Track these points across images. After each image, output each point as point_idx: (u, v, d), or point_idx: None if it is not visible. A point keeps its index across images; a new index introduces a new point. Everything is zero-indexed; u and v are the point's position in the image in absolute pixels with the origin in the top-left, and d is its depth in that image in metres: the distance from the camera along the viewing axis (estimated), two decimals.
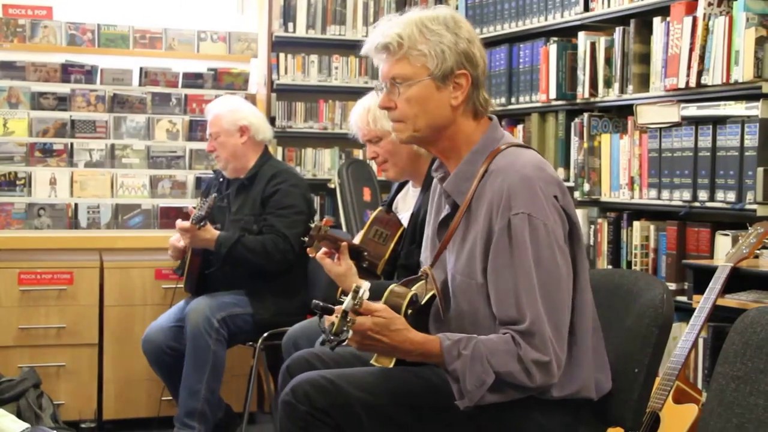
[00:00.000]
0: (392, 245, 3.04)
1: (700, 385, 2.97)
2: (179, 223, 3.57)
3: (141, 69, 4.76)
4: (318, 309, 1.93)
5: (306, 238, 2.83)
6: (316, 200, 4.60)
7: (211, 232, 3.57)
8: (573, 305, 1.99)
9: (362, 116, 3.08)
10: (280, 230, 3.64)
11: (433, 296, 2.08)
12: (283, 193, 3.70)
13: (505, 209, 1.95)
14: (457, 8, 4.75)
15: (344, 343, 1.88)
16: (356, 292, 1.87)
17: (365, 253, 2.94)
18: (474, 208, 2.03)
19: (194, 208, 3.57)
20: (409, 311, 2.02)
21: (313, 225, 2.81)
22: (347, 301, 1.87)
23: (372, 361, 2.06)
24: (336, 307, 1.92)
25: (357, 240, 3.07)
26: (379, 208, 3.19)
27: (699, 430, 1.87)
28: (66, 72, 4.65)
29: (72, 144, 4.50)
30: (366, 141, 3.12)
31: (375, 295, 1.98)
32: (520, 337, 1.91)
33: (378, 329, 1.91)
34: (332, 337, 1.86)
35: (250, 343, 3.73)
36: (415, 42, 2.02)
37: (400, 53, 2.04)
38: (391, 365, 2.03)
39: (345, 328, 1.85)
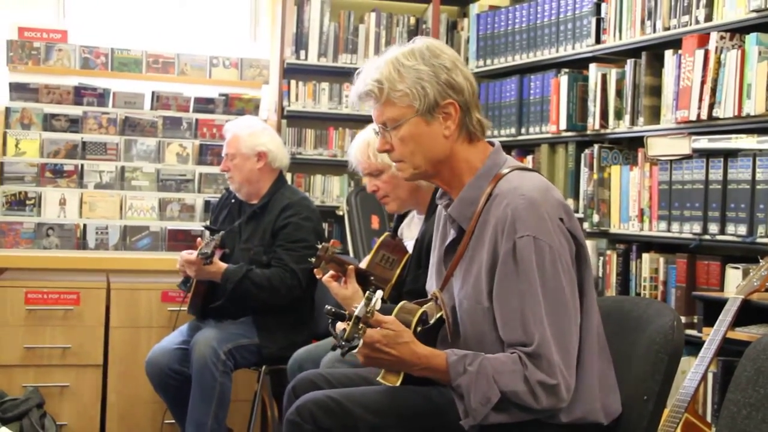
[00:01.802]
0: (399, 270, 3.04)
1: (709, 420, 2.94)
2: (186, 256, 3.55)
3: (153, 93, 4.79)
4: (330, 314, 1.93)
5: (313, 259, 2.83)
6: (325, 227, 4.59)
7: (218, 266, 3.56)
8: (579, 327, 1.97)
9: (362, 150, 3.09)
10: (289, 265, 3.62)
11: (442, 318, 2.07)
12: (294, 226, 3.68)
13: (511, 232, 1.94)
14: (468, 40, 4.78)
15: (355, 351, 1.87)
16: (369, 299, 1.87)
17: (372, 278, 2.94)
18: (479, 232, 2.02)
19: (207, 231, 3.56)
20: (418, 328, 2.02)
21: (320, 246, 2.81)
22: (360, 307, 1.87)
23: (378, 379, 2.05)
24: (348, 313, 1.92)
25: (364, 264, 3.06)
26: (386, 233, 3.19)
27: None
28: (79, 94, 4.68)
29: (82, 165, 4.51)
30: (366, 174, 3.12)
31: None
32: (527, 358, 1.90)
33: (387, 341, 1.90)
34: (344, 343, 1.85)
35: (255, 367, 3.71)
36: (394, 83, 2.02)
37: (383, 98, 2.04)
38: (398, 383, 2.02)
39: (356, 335, 1.85)
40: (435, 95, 2.02)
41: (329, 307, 1.95)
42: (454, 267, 2.07)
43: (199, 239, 3.66)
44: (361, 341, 1.87)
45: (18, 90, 4.61)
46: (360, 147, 3.09)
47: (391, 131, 2.06)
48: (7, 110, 4.54)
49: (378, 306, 1.90)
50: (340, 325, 1.97)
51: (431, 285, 2.21)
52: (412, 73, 2.02)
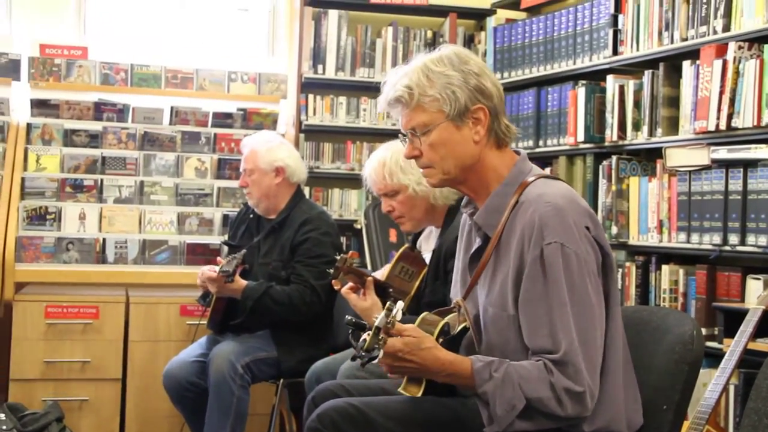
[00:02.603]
0: (417, 282, 3.03)
1: None
2: (207, 273, 3.55)
3: (172, 108, 4.82)
4: (351, 325, 1.92)
5: (332, 270, 2.82)
6: (342, 240, 4.59)
7: (239, 283, 3.56)
8: (605, 337, 1.96)
9: (377, 170, 3.06)
10: (308, 281, 3.61)
11: (465, 328, 2.06)
12: (313, 241, 3.67)
13: (538, 239, 1.94)
14: (485, 53, 4.79)
15: (375, 361, 1.86)
16: (390, 309, 1.86)
17: (390, 290, 2.93)
18: (505, 240, 2.02)
19: (226, 246, 3.55)
20: (440, 340, 2.01)
21: (339, 257, 2.81)
22: (380, 317, 1.86)
23: (400, 389, 2.04)
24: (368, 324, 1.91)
25: (382, 276, 3.05)
26: (405, 245, 3.18)
27: None
28: (98, 110, 4.73)
29: (102, 180, 4.54)
30: (382, 195, 3.09)
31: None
32: (553, 365, 1.89)
33: (409, 349, 1.89)
34: (363, 354, 1.84)
35: (273, 380, 3.71)
36: (424, 89, 2.03)
37: (413, 103, 2.04)
38: (419, 394, 2.01)
39: (377, 346, 1.84)
40: (465, 100, 2.02)
41: (350, 318, 1.95)
42: (479, 275, 2.07)
43: (219, 258, 3.65)
44: (382, 351, 1.86)
45: (39, 106, 4.66)
46: (375, 167, 3.07)
47: (421, 137, 2.06)
48: (29, 126, 4.59)
49: (399, 316, 1.89)
50: (361, 337, 1.97)
51: (455, 293, 2.20)
52: (442, 79, 2.02)
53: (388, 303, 1.88)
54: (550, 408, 1.88)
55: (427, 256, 3.05)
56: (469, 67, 2.04)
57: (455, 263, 2.27)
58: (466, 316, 2.06)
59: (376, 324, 1.85)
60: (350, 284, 2.86)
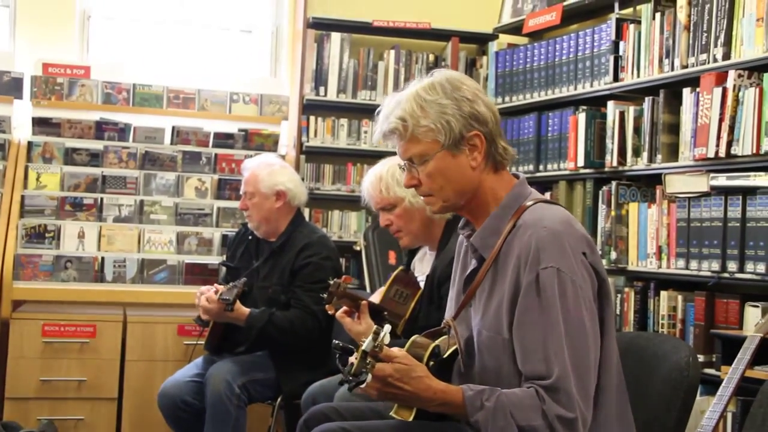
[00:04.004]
0: (412, 305, 3.02)
1: None
2: (205, 304, 3.53)
3: (173, 128, 4.84)
4: (338, 349, 1.91)
5: (325, 295, 2.82)
6: (342, 262, 4.58)
7: (240, 311, 3.55)
8: (599, 362, 1.95)
9: (374, 184, 3.08)
10: (309, 306, 3.60)
11: (456, 351, 2.05)
12: (314, 266, 3.66)
13: (534, 263, 1.93)
14: (487, 78, 4.80)
15: (362, 386, 1.85)
16: (377, 333, 1.85)
17: (385, 313, 2.92)
18: (501, 263, 2.01)
19: (224, 267, 3.53)
20: (431, 363, 2.00)
21: (332, 282, 2.81)
22: (367, 342, 1.85)
23: (391, 413, 2.03)
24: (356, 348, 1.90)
25: (377, 299, 3.05)
26: (400, 267, 3.18)
27: None
28: (100, 129, 4.74)
29: (102, 199, 4.55)
30: (379, 209, 3.12)
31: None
32: (545, 392, 1.88)
33: (399, 376, 1.89)
34: (351, 378, 1.83)
35: (269, 401, 3.69)
36: (417, 119, 2.02)
37: (408, 134, 2.04)
38: (411, 418, 2.00)
39: (364, 370, 1.83)
40: (460, 128, 2.02)
41: (337, 342, 1.94)
42: (471, 296, 2.06)
43: (217, 285, 3.64)
44: (370, 376, 1.85)
45: (41, 125, 4.67)
46: (372, 181, 3.09)
47: (418, 167, 2.06)
48: (30, 144, 4.60)
49: (387, 340, 1.88)
50: (348, 360, 1.96)
51: (449, 314, 2.19)
52: (435, 108, 2.02)
53: (375, 327, 1.87)
54: None
55: (420, 279, 3.05)
56: (462, 93, 2.04)
57: (450, 286, 2.26)
58: (456, 338, 2.05)
59: (363, 348, 1.85)
60: (344, 308, 2.86)
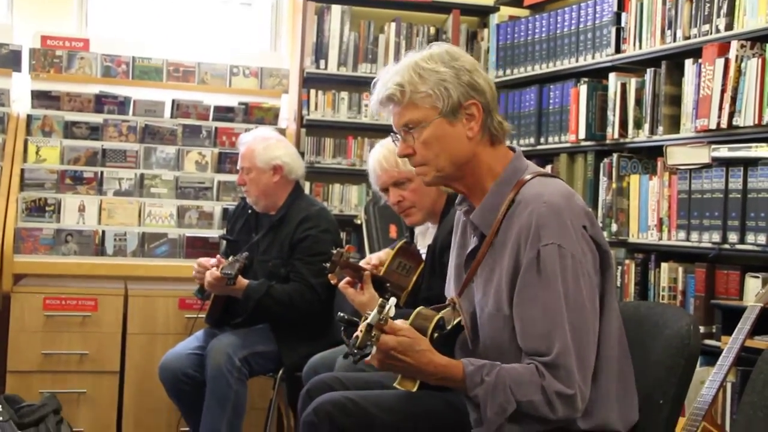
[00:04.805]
0: (415, 277, 3.01)
1: (728, 429, 2.90)
2: (211, 273, 3.52)
3: (173, 101, 4.82)
4: (342, 322, 1.91)
5: (328, 264, 2.81)
6: (342, 236, 4.59)
7: (240, 283, 3.55)
8: (599, 334, 1.96)
9: (388, 158, 2.98)
10: (308, 279, 3.60)
11: (460, 324, 2.05)
12: (313, 239, 3.66)
13: (535, 240, 1.93)
14: (488, 50, 4.78)
15: (367, 359, 1.85)
16: (382, 306, 1.85)
17: (388, 284, 2.91)
18: (501, 239, 2.00)
19: (224, 241, 3.53)
20: (435, 335, 2.00)
21: (335, 251, 2.79)
22: (373, 314, 1.84)
23: (395, 384, 2.03)
24: (361, 321, 1.90)
25: (379, 259, 3.03)
26: (403, 239, 3.16)
27: None
28: (99, 102, 4.72)
29: (102, 172, 4.54)
30: (391, 185, 3.03)
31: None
32: (544, 369, 1.88)
33: (402, 349, 1.88)
34: (356, 351, 1.83)
35: (271, 374, 3.70)
36: (416, 86, 2.01)
37: (405, 100, 2.03)
38: (415, 389, 2.00)
39: (369, 342, 1.83)
40: (458, 96, 2.01)
41: (341, 314, 1.94)
42: (473, 272, 2.06)
43: (219, 257, 3.64)
44: (374, 348, 1.85)
45: (40, 98, 4.65)
46: (385, 156, 2.99)
47: (414, 134, 2.04)
48: (29, 117, 4.58)
49: (392, 313, 1.88)
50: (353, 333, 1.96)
51: (449, 290, 2.19)
52: (434, 75, 2.01)
53: (381, 300, 1.87)
54: (540, 411, 1.87)
55: (423, 252, 3.03)
56: (461, 63, 2.03)
57: (450, 258, 2.25)
58: (461, 312, 2.05)
59: (368, 321, 1.84)
60: (347, 278, 2.85)
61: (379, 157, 3.03)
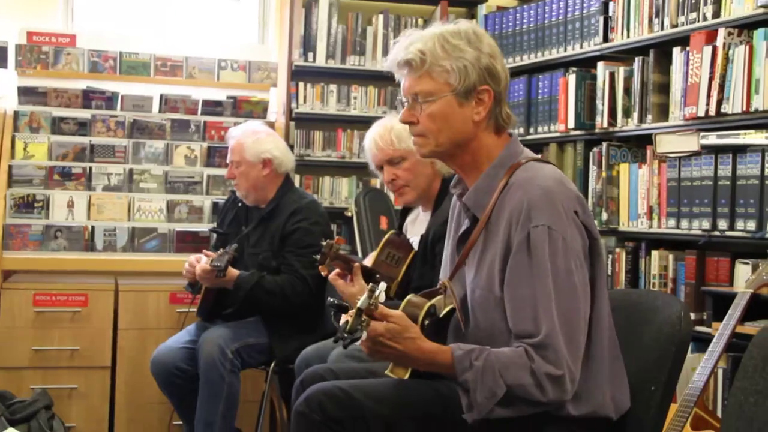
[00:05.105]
0: (404, 268, 3.01)
1: (719, 415, 2.91)
2: (202, 266, 3.52)
3: (161, 96, 4.80)
4: (333, 307, 1.91)
5: (318, 256, 2.80)
6: (333, 228, 4.58)
7: (230, 273, 3.55)
8: (590, 320, 1.96)
9: (384, 136, 3.00)
10: (299, 271, 3.61)
11: (452, 310, 2.05)
12: (303, 231, 3.66)
13: (525, 222, 1.93)
14: None
15: (357, 343, 1.85)
16: (372, 291, 1.85)
17: (377, 275, 2.91)
18: (494, 221, 2.01)
19: (214, 234, 3.53)
20: (426, 322, 2.00)
21: (324, 243, 2.79)
22: (363, 299, 1.85)
23: (387, 372, 2.04)
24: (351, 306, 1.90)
25: (369, 262, 3.04)
26: (391, 231, 3.16)
27: None
28: (87, 98, 4.69)
29: (90, 168, 4.51)
30: (385, 163, 3.04)
31: None
32: (533, 351, 1.88)
33: (390, 335, 1.89)
34: (346, 335, 1.83)
35: (263, 366, 3.70)
36: (437, 58, 2.01)
37: (423, 69, 2.03)
38: (406, 377, 2.01)
39: (359, 327, 1.83)
40: (475, 79, 2.01)
41: (332, 300, 1.94)
42: (466, 255, 2.06)
43: (206, 251, 3.63)
44: (365, 333, 1.85)
45: (26, 94, 4.62)
46: (381, 133, 3.01)
47: (422, 104, 2.04)
48: (16, 114, 4.55)
49: (382, 298, 1.88)
50: (343, 318, 1.96)
51: (444, 275, 2.19)
52: (457, 53, 2.00)
53: (371, 285, 1.87)
54: (530, 394, 1.87)
55: (413, 240, 3.04)
56: (484, 46, 2.03)
57: (445, 246, 2.26)
58: (452, 298, 2.05)
59: (358, 305, 1.85)
60: (337, 270, 2.85)
61: (375, 134, 3.05)
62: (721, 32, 3.17)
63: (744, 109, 3.06)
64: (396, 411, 1.98)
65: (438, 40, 2.02)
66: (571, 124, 3.91)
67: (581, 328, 1.93)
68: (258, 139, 3.79)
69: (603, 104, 3.74)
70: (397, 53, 2.06)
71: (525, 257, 1.92)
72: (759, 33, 3.05)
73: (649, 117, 3.52)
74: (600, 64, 3.79)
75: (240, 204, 3.88)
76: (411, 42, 2.04)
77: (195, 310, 3.80)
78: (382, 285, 1.89)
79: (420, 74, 2.03)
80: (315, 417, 1.95)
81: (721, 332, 2.65)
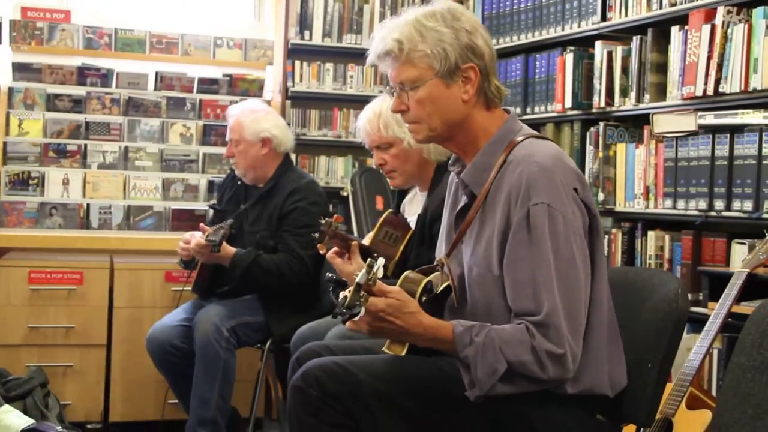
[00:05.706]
0: (402, 247, 3.01)
1: (714, 395, 2.92)
2: (197, 241, 3.51)
3: (157, 73, 4.77)
4: (331, 282, 1.91)
5: (316, 234, 2.80)
6: (330, 208, 4.57)
7: (227, 251, 3.54)
8: (590, 299, 1.95)
9: (372, 122, 3.02)
10: (296, 250, 3.60)
11: (449, 287, 2.05)
12: (301, 211, 3.66)
13: (525, 199, 1.92)
14: None
15: (355, 319, 1.85)
16: (371, 266, 1.85)
17: (375, 254, 2.91)
18: (492, 198, 2.00)
19: (212, 210, 3.52)
20: (423, 298, 2.00)
21: (323, 221, 2.79)
22: (361, 274, 1.84)
23: (384, 349, 2.04)
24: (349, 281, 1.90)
25: (366, 241, 3.04)
26: (389, 210, 3.16)
27: (713, 423, 1.82)
28: (82, 75, 4.67)
29: (86, 145, 4.50)
30: (374, 148, 3.05)
31: None
32: (534, 328, 1.88)
33: (391, 311, 1.88)
34: (345, 311, 1.83)
35: (259, 345, 3.70)
36: (415, 43, 2.00)
37: (403, 58, 2.02)
38: (403, 353, 2.01)
39: (358, 303, 1.83)
40: (456, 58, 2.00)
41: (330, 275, 1.93)
42: (463, 233, 2.05)
43: (202, 225, 3.62)
44: (363, 309, 1.85)
45: (21, 70, 4.59)
46: (369, 118, 3.02)
47: (409, 92, 2.03)
48: (10, 90, 4.53)
49: (380, 273, 1.87)
50: (342, 293, 1.95)
51: (440, 252, 2.19)
52: (434, 35, 2.00)
53: (369, 260, 1.86)
54: (531, 371, 1.87)
55: (411, 220, 3.03)
56: (462, 24, 2.02)
57: (441, 224, 2.25)
58: (449, 275, 2.05)
59: (357, 281, 1.84)
60: (335, 248, 2.85)
61: (365, 120, 3.07)
62: (720, 11, 3.15)
63: (742, 88, 3.05)
64: (394, 386, 1.98)
65: (413, 26, 2.01)
66: (569, 103, 3.89)
67: (582, 306, 1.93)
68: (257, 118, 3.78)
69: (600, 84, 3.73)
70: (376, 46, 2.06)
71: (524, 235, 1.92)
72: (758, 11, 3.04)
73: (647, 97, 3.51)
74: (598, 44, 3.77)
75: (239, 182, 3.87)
76: (387, 32, 2.04)
77: (190, 288, 3.80)
78: (381, 261, 1.88)
79: (401, 63, 2.03)
80: (312, 392, 1.94)
81: (717, 312, 2.66)
